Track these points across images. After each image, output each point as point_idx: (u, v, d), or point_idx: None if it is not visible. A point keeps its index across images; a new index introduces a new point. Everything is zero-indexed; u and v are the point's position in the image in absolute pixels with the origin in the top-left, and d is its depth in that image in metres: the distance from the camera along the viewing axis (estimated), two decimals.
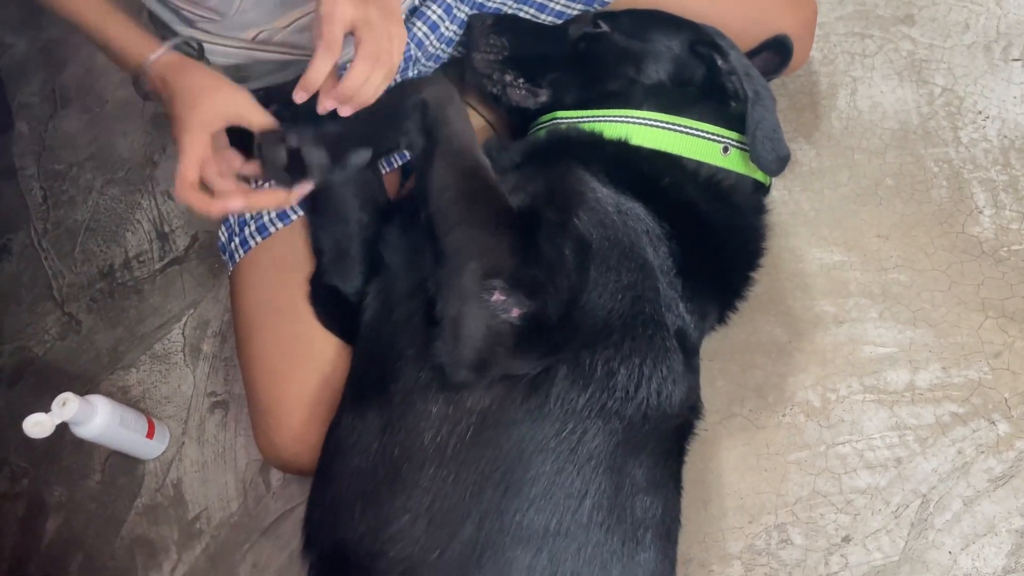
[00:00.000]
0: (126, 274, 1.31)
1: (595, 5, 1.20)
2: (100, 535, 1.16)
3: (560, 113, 1.14)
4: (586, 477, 0.86)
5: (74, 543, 1.16)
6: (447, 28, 1.20)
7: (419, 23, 1.18)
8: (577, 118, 1.11)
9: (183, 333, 1.25)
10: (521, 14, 1.23)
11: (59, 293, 1.31)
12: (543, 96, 1.17)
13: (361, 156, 0.97)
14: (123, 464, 1.18)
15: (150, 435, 1.14)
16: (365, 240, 1.06)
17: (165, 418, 1.20)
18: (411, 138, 0.97)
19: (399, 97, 0.98)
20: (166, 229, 1.32)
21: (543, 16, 1.22)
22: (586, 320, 0.90)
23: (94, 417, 1.03)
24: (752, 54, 1.19)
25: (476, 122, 1.29)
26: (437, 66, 1.28)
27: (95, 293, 1.30)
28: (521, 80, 1.18)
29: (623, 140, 1.06)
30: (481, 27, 1.19)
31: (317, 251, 1.08)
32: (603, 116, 1.10)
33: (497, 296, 0.86)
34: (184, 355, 1.24)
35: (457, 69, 1.33)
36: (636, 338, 0.91)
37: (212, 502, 1.15)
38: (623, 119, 1.09)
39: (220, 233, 1.11)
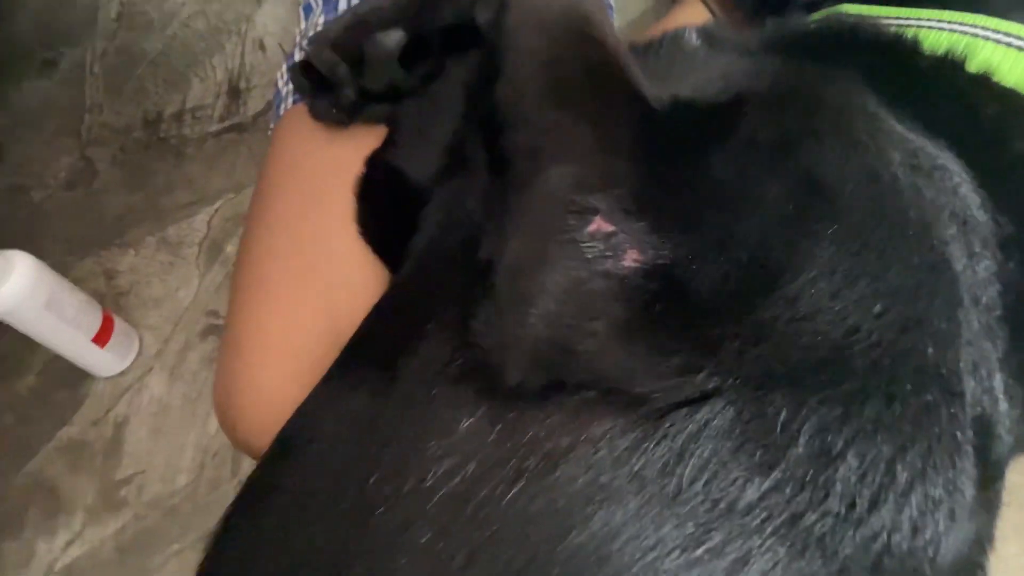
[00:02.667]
0: (173, 127, 0.99)
1: None
2: (4, 458, 0.84)
3: (848, 7, 0.69)
4: None
5: None
6: None
7: None
8: (882, 17, 0.66)
9: (209, 222, 0.92)
10: None
11: (87, 131, 1.01)
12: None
13: (390, 39, 0.63)
14: (68, 374, 0.85)
15: (101, 340, 0.80)
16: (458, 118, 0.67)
17: (143, 327, 0.87)
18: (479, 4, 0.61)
19: None
20: (242, 85, 0.99)
21: None
22: (790, 330, 0.46)
23: (3, 281, 0.70)
24: None
25: (699, 14, 0.86)
26: None
27: (129, 142, 0.99)
28: None
29: (953, 58, 0.59)
30: None
31: (392, 119, 0.69)
32: (931, 20, 0.64)
33: (598, 225, 0.45)
34: (200, 250, 0.90)
35: None
36: (894, 401, 0.46)
37: (155, 466, 0.79)
38: (967, 29, 0.63)
39: (279, 75, 0.76)
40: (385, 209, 0.65)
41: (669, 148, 0.51)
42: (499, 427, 0.48)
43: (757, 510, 0.44)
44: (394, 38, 0.64)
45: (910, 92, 0.56)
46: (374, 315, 0.58)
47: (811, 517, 0.44)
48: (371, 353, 0.54)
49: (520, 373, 0.46)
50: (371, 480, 0.49)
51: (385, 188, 0.66)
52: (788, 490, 0.45)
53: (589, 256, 0.46)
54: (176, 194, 0.94)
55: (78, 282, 0.85)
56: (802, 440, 0.46)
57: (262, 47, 1.00)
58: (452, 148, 0.63)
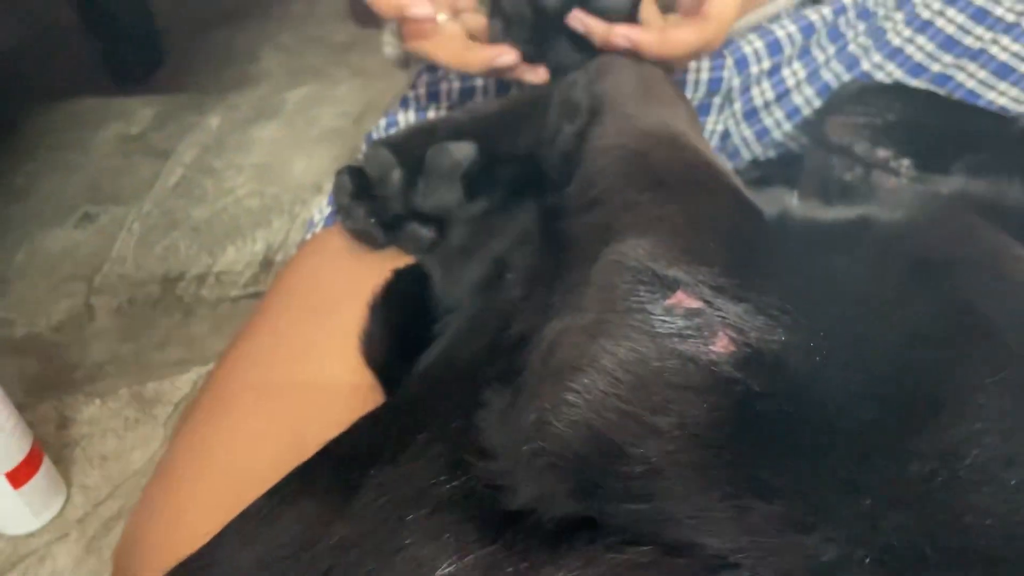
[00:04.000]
0: (192, 287, 0.90)
1: None
2: None
3: None
4: None
5: None
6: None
7: (777, 109, 0.76)
8: None
9: (196, 383, 0.79)
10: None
11: (100, 279, 0.93)
12: (944, 187, 0.64)
13: (460, 150, 0.54)
14: None
15: (18, 478, 0.64)
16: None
17: (77, 486, 0.71)
18: (561, 127, 0.52)
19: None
20: (278, 258, 0.92)
21: None
22: (949, 498, 0.31)
23: None
24: None
25: None
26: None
27: (140, 295, 0.90)
28: (906, 161, 0.67)
29: None
30: (852, 91, 0.73)
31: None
32: None
33: (679, 299, 0.34)
34: (174, 411, 0.76)
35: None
36: None
37: None
38: None
39: (315, 212, 0.69)
40: (400, 324, 0.53)
41: (776, 245, 0.39)
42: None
43: None
44: (464, 151, 0.56)
45: None
46: (350, 428, 0.43)
47: None
48: (331, 464, 0.39)
49: (536, 488, 0.31)
50: None
51: (406, 301, 0.54)
52: None
53: (662, 331, 0.33)
54: (170, 350, 0.82)
55: None
56: None
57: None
58: (497, 261, 0.52)
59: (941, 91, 0.74)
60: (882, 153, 0.66)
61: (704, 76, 0.72)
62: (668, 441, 0.30)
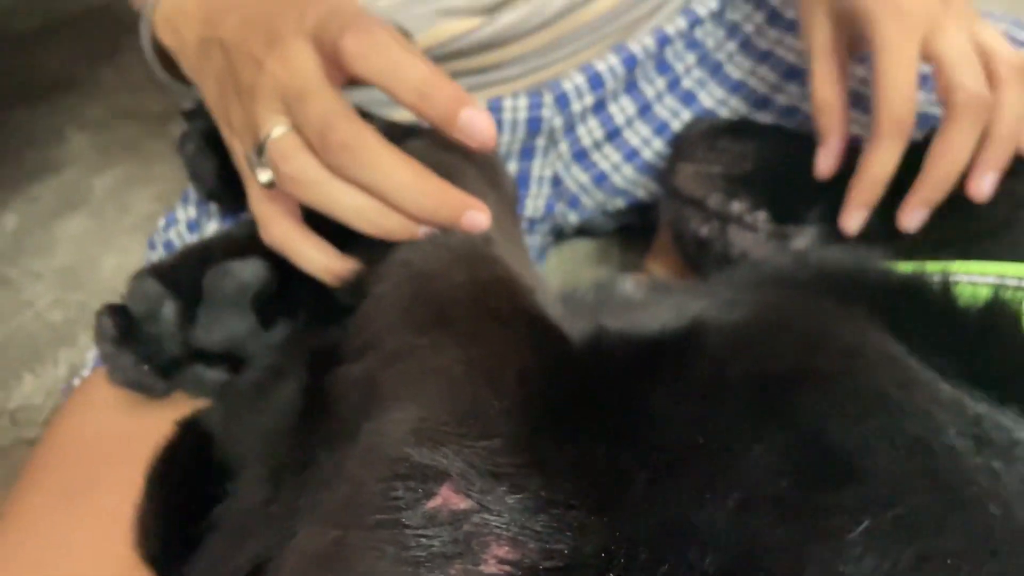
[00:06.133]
0: None
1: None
2: None
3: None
4: None
5: None
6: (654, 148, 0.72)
7: (612, 152, 0.71)
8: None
9: None
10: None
11: None
12: (801, 239, 0.59)
13: (246, 269, 0.48)
14: None
15: None
16: None
17: None
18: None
19: None
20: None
21: None
22: None
23: None
24: None
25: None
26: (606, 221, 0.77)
27: None
28: (762, 214, 0.62)
29: (1007, 311, 0.44)
30: (700, 131, 0.69)
31: (224, 392, 0.51)
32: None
33: (443, 498, 0.27)
34: None
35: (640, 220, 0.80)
36: None
37: None
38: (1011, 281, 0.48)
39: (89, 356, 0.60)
40: (182, 501, 0.44)
41: (580, 385, 0.33)
42: None
43: None
44: (252, 269, 0.48)
45: (953, 346, 0.40)
46: None
47: None
48: None
49: None
50: None
51: (193, 465, 0.45)
52: None
53: (420, 553, 0.26)
54: None
55: None
56: None
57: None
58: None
59: (791, 122, 0.71)
60: (736, 207, 0.62)
61: (521, 116, 0.66)
62: None
